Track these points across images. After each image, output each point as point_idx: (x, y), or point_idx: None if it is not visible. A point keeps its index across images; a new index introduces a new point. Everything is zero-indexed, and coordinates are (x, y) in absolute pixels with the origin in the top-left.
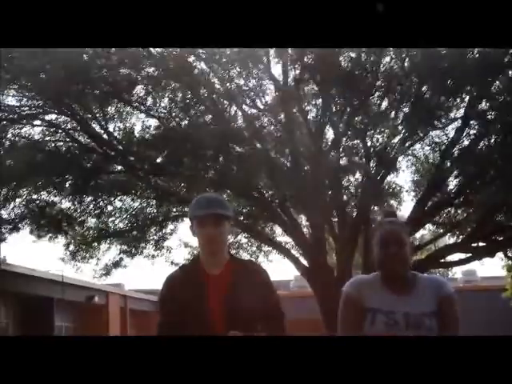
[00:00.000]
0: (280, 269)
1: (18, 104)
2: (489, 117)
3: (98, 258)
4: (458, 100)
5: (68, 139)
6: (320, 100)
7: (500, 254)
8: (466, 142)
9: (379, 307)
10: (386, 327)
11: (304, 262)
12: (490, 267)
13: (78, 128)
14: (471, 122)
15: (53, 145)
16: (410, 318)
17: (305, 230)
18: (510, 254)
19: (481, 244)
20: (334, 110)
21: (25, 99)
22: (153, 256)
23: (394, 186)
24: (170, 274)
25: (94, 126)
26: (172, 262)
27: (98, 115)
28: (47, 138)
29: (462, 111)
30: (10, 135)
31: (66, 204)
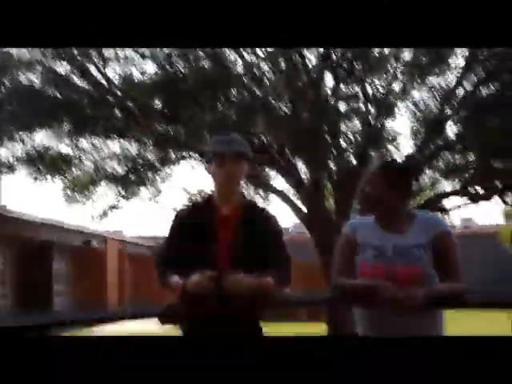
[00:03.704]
0: (279, 214)
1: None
2: (490, 64)
3: (93, 201)
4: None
5: (66, 84)
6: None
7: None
8: (466, 89)
9: (369, 242)
10: (373, 258)
11: (302, 207)
12: (487, 216)
13: (76, 72)
14: (472, 70)
15: (51, 90)
16: (397, 248)
17: (303, 176)
18: (507, 200)
19: (479, 190)
20: (334, 56)
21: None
22: (150, 199)
23: (392, 132)
24: (181, 208)
25: (92, 71)
26: (170, 207)
27: (96, 60)
28: (46, 84)
29: (461, 60)
30: (8, 81)
31: (63, 148)
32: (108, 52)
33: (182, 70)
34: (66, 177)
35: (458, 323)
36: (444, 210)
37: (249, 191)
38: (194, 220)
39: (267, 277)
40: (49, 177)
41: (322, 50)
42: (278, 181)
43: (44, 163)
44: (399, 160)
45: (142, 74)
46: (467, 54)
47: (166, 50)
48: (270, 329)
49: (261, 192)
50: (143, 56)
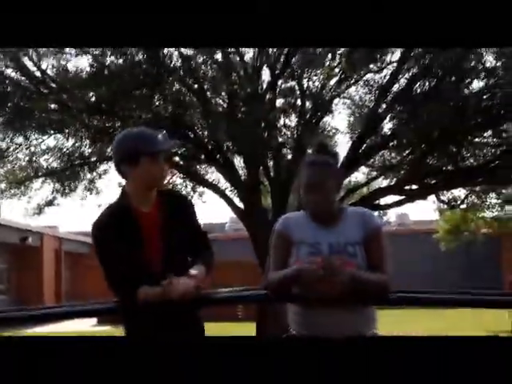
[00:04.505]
0: (215, 211)
1: None
2: (424, 60)
3: (29, 197)
4: None
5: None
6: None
7: (432, 198)
8: (402, 85)
9: (304, 239)
10: (308, 256)
11: (239, 204)
12: (422, 211)
13: (11, 65)
14: (406, 66)
15: None
16: (332, 247)
17: (240, 171)
18: (441, 197)
19: (414, 187)
20: (270, 50)
21: None
22: (85, 196)
23: (329, 127)
24: (97, 217)
25: (26, 62)
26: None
27: (30, 52)
28: None
29: (397, 54)
30: None
31: None
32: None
33: (117, 64)
34: None
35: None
36: (379, 207)
37: (186, 187)
38: (117, 228)
39: (196, 267)
40: None
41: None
42: (215, 176)
43: None
44: (317, 155)
45: (78, 67)
46: (401, 49)
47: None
48: (208, 328)
49: (198, 188)
50: (78, 50)
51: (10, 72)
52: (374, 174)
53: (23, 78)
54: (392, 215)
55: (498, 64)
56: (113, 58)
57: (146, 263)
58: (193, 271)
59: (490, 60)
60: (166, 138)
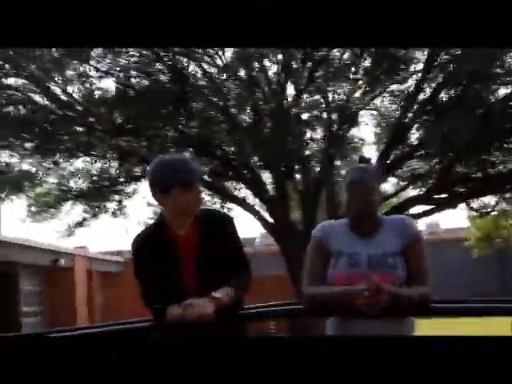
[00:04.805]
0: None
1: None
2: (448, 69)
3: (60, 219)
4: (418, 52)
5: (27, 101)
6: (280, 56)
7: (462, 205)
8: (427, 94)
9: (343, 249)
10: (348, 267)
11: (269, 218)
12: (453, 219)
13: (37, 90)
14: (431, 75)
15: (11, 107)
16: (372, 259)
17: (268, 186)
18: (471, 205)
19: (443, 195)
20: (294, 65)
21: None
22: (115, 215)
23: (356, 140)
24: (135, 237)
25: (52, 87)
26: (136, 222)
27: (55, 77)
28: (5, 101)
29: (421, 65)
30: None
31: (25, 166)
32: (68, 71)
33: (142, 84)
34: (29, 195)
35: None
36: (410, 217)
37: (214, 203)
38: (154, 248)
39: (223, 289)
40: (13, 196)
41: (282, 59)
42: (244, 191)
43: (7, 182)
44: (362, 167)
45: (102, 89)
46: (425, 58)
47: (123, 64)
48: None
49: (226, 203)
50: (103, 72)
51: (37, 98)
52: (403, 184)
53: (49, 102)
54: (422, 225)
55: None
56: (137, 78)
57: (183, 284)
58: (216, 293)
59: None
60: (196, 166)
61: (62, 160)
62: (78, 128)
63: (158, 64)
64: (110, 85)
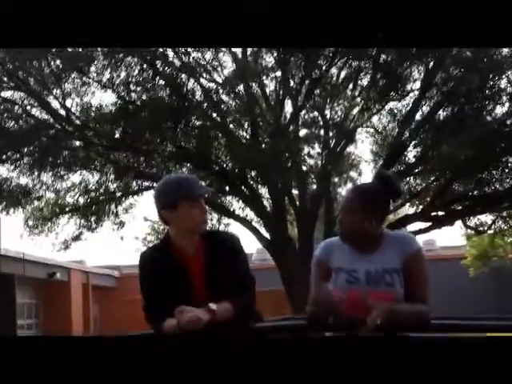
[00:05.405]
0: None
1: None
2: (446, 87)
3: (56, 233)
4: (415, 71)
5: (25, 115)
6: (279, 73)
7: (459, 223)
8: (424, 112)
9: (343, 266)
10: (346, 284)
11: (266, 234)
12: (449, 237)
13: (35, 103)
14: (428, 93)
15: (10, 121)
16: (370, 275)
17: (265, 202)
18: (468, 223)
19: (440, 213)
20: (292, 82)
21: None
22: (112, 230)
23: (353, 157)
24: (143, 252)
25: (50, 101)
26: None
27: (54, 90)
28: (4, 115)
29: (418, 83)
30: None
31: (23, 180)
32: (67, 84)
33: (141, 99)
34: (26, 209)
35: None
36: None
37: (211, 219)
38: (162, 264)
39: (221, 304)
40: (11, 209)
41: (280, 76)
42: (241, 207)
43: (4, 196)
44: (371, 182)
45: (101, 103)
46: (422, 76)
47: (123, 78)
48: None
49: (223, 219)
50: (102, 86)
51: (35, 111)
52: (400, 201)
53: (48, 116)
54: (419, 242)
55: None
56: (137, 93)
57: (193, 305)
58: (212, 305)
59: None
60: (200, 184)
61: (59, 174)
62: (75, 142)
63: (157, 79)
64: (108, 99)
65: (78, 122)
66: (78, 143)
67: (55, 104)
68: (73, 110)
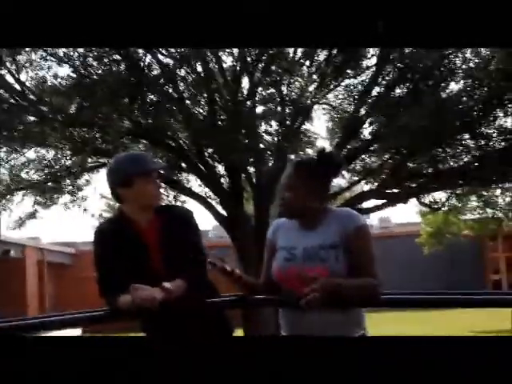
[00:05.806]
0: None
1: None
2: (401, 64)
3: (11, 210)
4: (371, 49)
5: None
6: (236, 49)
7: (414, 201)
8: (380, 90)
9: (284, 244)
10: (284, 261)
11: (222, 211)
12: (404, 214)
13: None
14: (384, 71)
15: None
16: (307, 252)
17: (222, 179)
18: (423, 201)
19: (395, 190)
20: (249, 58)
21: None
22: (68, 207)
23: (309, 134)
24: (98, 226)
25: (4, 74)
26: (87, 212)
27: (8, 64)
28: None
29: (374, 59)
30: None
31: None
32: (21, 56)
33: (97, 73)
34: None
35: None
36: (361, 211)
37: (168, 196)
38: (118, 237)
39: (175, 281)
40: None
41: (237, 51)
42: (197, 184)
43: None
44: (313, 157)
45: (56, 77)
46: (378, 53)
47: (80, 52)
48: None
49: (180, 196)
50: (58, 59)
51: None
52: (356, 178)
53: (1, 90)
54: (374, 219)
55: (475, 65)
56: (93, 67)
57: (151, 269)
58: (167, 284)
59: (467, 61)
60: (154, 159)
61: (13, 150)
62: (30, 117)
63: (114, 54)
64: (63, 73)
65: (32, 96)
66: (32, 118)
67: (8, 77)
68: (27, 83)
